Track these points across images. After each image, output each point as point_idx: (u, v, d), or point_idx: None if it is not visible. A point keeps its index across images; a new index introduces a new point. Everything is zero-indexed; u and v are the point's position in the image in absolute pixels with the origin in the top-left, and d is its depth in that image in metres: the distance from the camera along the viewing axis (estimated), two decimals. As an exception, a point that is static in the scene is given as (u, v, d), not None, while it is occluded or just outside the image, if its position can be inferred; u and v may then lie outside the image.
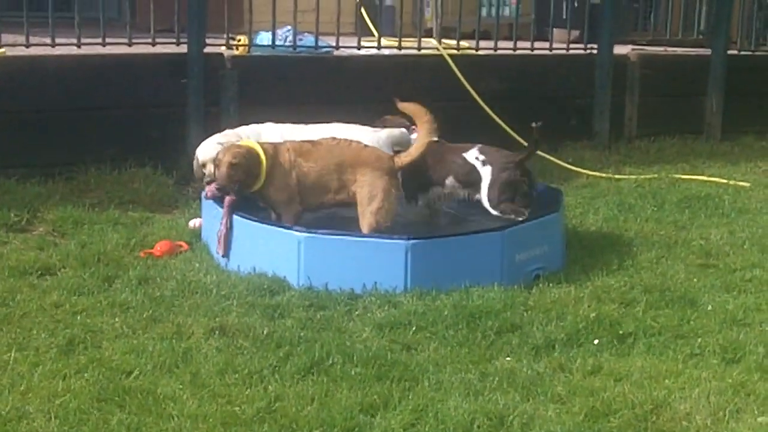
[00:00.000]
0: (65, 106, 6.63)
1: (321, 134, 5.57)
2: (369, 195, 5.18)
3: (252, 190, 5.24)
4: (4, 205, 5.90)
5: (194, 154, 5.70)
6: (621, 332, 4.46)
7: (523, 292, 4.89)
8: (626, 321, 4.59)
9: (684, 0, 9.97)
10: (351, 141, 5.35)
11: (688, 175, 7.72)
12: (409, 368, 4.01)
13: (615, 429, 3.64)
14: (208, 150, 5.54)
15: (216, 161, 5.24)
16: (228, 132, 5.70)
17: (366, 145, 5.38)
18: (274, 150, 5.26)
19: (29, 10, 6.63)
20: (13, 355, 4.01)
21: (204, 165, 5.54)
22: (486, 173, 5.40)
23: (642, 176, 7.62)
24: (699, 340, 4.42)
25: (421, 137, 5.32)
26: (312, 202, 5.33)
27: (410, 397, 3.77)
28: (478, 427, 3.58)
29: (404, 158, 5.31)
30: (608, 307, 4.75)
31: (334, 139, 5.35)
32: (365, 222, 5.19)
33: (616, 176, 7.62)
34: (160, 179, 6.61)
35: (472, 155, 5.48)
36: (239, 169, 5.13)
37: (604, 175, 7.64)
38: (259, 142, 5.33)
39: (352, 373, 3.94)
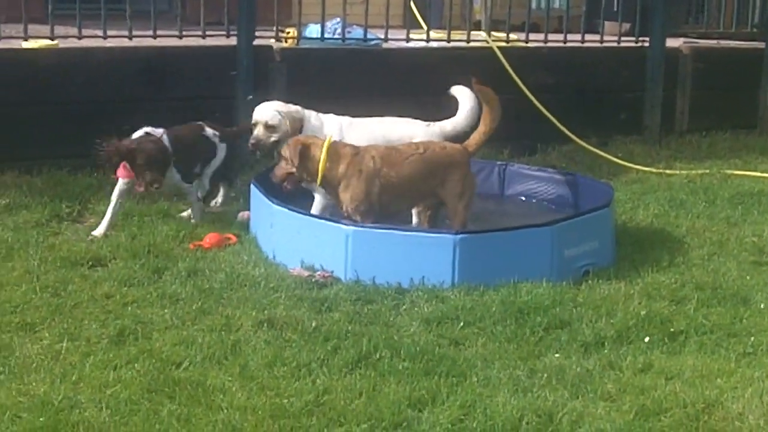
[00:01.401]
0: (116, 97, 6.70)
1: (378, 129, 5.66)
2: (461, 191, 5.27)
3: (309, 184, 5.25)
4: (56, 197, 5.99)
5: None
6: (672, 330, 4.40)
7: (572, 288, 4.84)
8: (677, 319, 4.53)
9: (737, -8, 9.83)
10: (432, 143, 5.41)
11: (741, 170, 7.60)
12: (456, 363, 4.00)
13: (666, 428, 3.59)
14: (263, 112, 5.66)
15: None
16: (292, 106, 5.73)
17: (444, 143, 5.44)
18: (355, 153, 5.19)
19: (82, 2, 6.71)
20: (65, 345, 4.06)
21: (255, 124, 5.66)
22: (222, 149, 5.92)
23: (693, 171, 7.52)
24: (752, 338, 4.35)
25: (485, 123, 5.40)
26: (394, 209, 5.33)
27: (458, 392, 3.76)
28: (527, 423, 3.55)
29: (474, 146, 5.40)
30: (659, 304, 4.70)
31: (416, 145, 5.35)
32: (458, 219, 5.26)
33: (667, 171, 7.53)
34: (210, 171, 6.65)
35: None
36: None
37: (654, 170, 7.55)
38: (339, 142, 5.28)
39: (400, 367, 3.93)
